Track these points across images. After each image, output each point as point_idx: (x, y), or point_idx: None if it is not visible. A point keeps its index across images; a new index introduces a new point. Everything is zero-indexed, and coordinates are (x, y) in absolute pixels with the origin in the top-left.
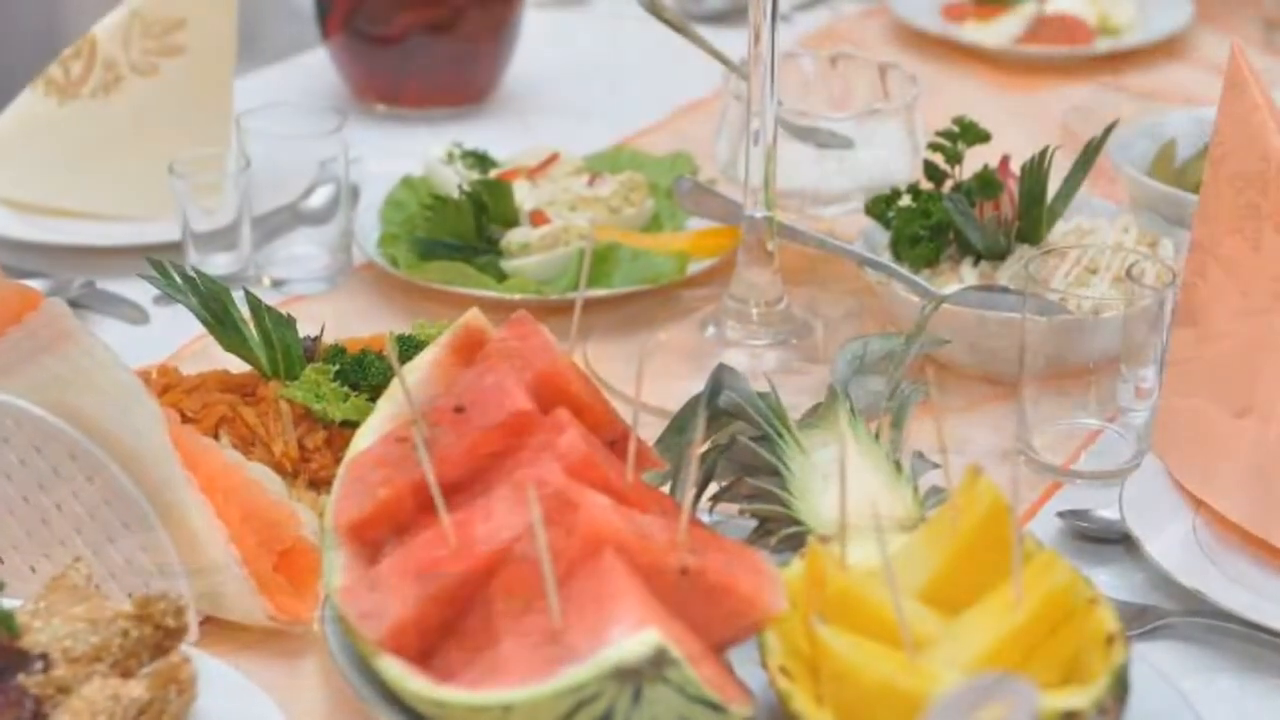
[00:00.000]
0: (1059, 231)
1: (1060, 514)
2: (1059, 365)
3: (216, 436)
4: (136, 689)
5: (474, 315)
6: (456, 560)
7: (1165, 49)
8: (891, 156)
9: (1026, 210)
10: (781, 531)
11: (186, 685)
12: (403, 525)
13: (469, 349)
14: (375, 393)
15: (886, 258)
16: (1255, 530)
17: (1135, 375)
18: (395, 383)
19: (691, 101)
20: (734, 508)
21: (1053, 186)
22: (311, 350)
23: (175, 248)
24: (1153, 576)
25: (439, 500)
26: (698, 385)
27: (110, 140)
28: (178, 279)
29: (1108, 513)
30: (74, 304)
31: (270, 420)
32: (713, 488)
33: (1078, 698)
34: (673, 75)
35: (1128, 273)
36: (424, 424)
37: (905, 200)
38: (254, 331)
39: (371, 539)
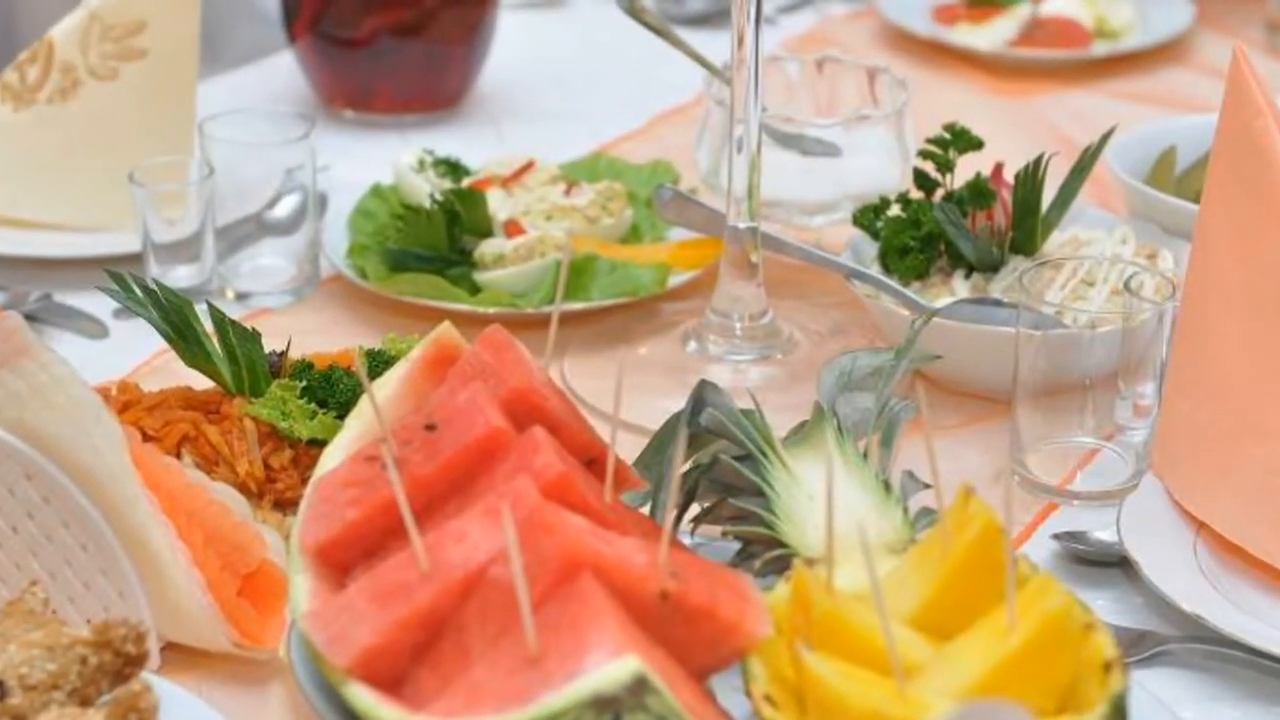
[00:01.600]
0: (1054, 242)
1: (1056, 536)
2: (1054, 381)
3: (179, 456)
4: (96, 718)
5: (446, 329)
6: (428, 584)
7: (1165, 53)
8: (880, 164)
9: (1020, 220)
10: (766, 554)
11: (148, 714)
12: (372, 548)
13: (441, 364)
14: (343, 410)
15: (875, 270)
16: (1258, 553)
17: (1134, 392)
18: (364, 400)
19: (672, 107)
20: (716, 530)
21: (1048, 196)
22: (277, 366)
23: (135, 259)
24: (1152, 601)
25: (410, 522)
26: (679, 402)
27: (68, 147)
28: (138, 292)
29: (1105, 535)
30: (30, 317)
31: (234, 439)
32: (694, 509)
33: None
34: (653, 80)
35: (1126, 285)
36: (394, 443)
37: (894, 210)
38: (217, 346)
39: (339, 562)
